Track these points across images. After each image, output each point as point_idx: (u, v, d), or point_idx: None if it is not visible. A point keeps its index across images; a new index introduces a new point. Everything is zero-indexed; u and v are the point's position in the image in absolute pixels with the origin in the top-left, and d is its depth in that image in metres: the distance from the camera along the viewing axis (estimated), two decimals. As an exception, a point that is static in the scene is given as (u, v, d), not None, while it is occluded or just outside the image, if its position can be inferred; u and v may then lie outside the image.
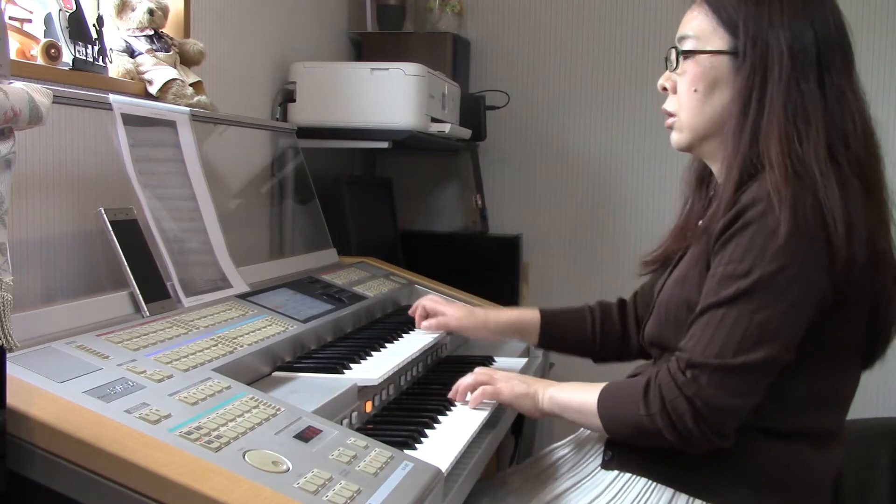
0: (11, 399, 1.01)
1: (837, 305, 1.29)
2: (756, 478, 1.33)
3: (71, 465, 0.98)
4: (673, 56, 1.42)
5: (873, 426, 2.05)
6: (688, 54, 1.39)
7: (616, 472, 1.41)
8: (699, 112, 1.39)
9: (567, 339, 1.78)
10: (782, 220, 1.23)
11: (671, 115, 1.45)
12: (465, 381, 1.56)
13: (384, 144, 2.48)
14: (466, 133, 2.84)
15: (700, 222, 1.47)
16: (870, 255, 1.29)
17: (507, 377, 1.54)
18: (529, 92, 3.26)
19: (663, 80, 1.45)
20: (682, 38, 1.41)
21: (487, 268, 2.92)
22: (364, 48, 3.05)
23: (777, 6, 1.33)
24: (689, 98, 1.40)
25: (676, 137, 1.45)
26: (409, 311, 1.91)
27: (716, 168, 1.44)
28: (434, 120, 2.51)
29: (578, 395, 1.42)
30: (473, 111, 2.97)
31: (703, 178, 1.53)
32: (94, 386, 1.11)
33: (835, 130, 1.32)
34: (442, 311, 1.84)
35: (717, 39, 1.37)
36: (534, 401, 1.48)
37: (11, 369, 1.08)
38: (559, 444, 1.61)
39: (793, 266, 1.23)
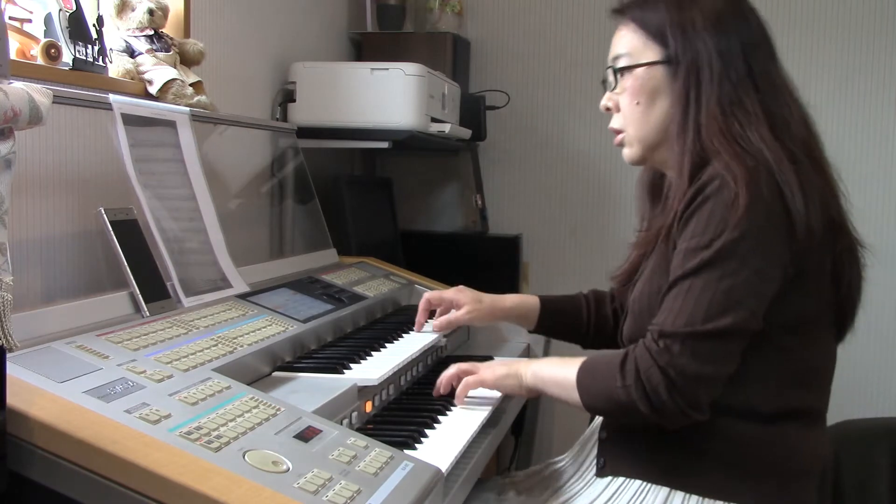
0: (11, 399, 1.01)
1: (800, 276, 1.32)
2: (746, 466, 1.34)
3: (71, 465, 0.98)
4: (611, 76, 1.48)
5: (873, 426, 2.05)
6: (625, 70, 1.45)
7: (610, 476, 1.41)
8: (645, 123, 1.44)
9: (563, 324, 1.81)
10: (739, 191, 1.27)
11: (619, 132, 1.49)
12: (447, 373, 1.58)
13: (384, 144, 2.48)
14: (466, 133, 2.84)
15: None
16: (826, 224, 1.33)
17: (488, 364, 1.57)
18: (529, 92, 3.26)
19: (605, 101, 1.50)
20: (616, 58, 1.47)
21: (487, 268, 2.92)
22: (364, 48, 3.05)
23: (698, 13, 1.40)
24: (632, 111, 1.45)
25: (628, 152, 1.49)
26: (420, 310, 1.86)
27: (670, 174, 1.47)
28: (434, 120, 2.51)
29: (559, 369, 1.44)
30: (473, 111, 2.97)
31: (654, 189, 1.57)
32: (94, 386, 1.11)
33: (773, 116, 1.37)
34: (450, 301, 1.81)
35: (650, 52, 1.43)
36: (517, 378, 1.50)
37: (11, 369, 1.08)
38: (557, 458, 1.62)
39: (753, 234, 1.27)
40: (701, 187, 1.31)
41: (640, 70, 1.43)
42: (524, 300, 1.82)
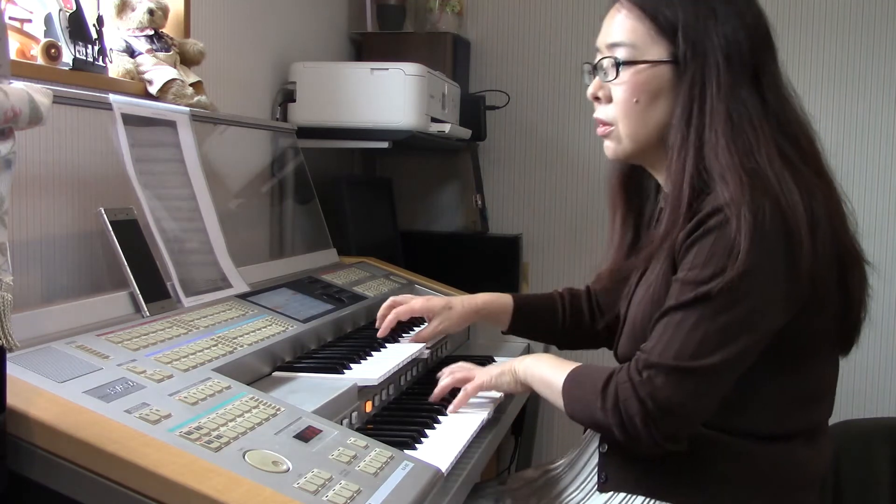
0: (11, 399, 1.01)
1: (806, 307, 1.28)
2: (753, 482, 1.32)
3: (71, 465, 0.98)
4: (608, 65, 1.36)
5: (873, 426, 2.04)
6: (626, 64, 1.34)
7: (612, 492, 1.39)
8: (642, 123, 1.35)
9: (537, 324, 1.77)
10: (742, 228, 1.21)
11: (606, 124, 1.39)
12: (443, 383, 1.56)
13: (384, 144, 2.48)
14: (466, 133, 2.84)
15: (655, 234, 1.41)
16: (837, 253, 1.29)
17: (483, 368, 1.56)
18: (529, 92, 3.26)
19: (594, 90, 1.39)
20: (616, 45, 1.35)
21: (487, 268, 2.92)
22: (364, 48, 3.05)
23: (711, 14, 1.31)
24: (629, 108, 1.35)
25: (615, 147, 1.40)
26: (379, 315, 1.75)
27: (661, 177, 1.42)
28: (434, 120, 2.51)
29: (550, 371, 1.42)
30: (473, 111, 2.97)
31: (629, 182, 1.52)
32: (94, 386, 1.11)
33: (781, 130, 1.31)
34: (419, 313, 1.75)
35: (657, 48, 1.33)
36: (512, 374, 1.50)
37: (11, 369, 1.07)
38: (554, 466, 1.59)
39: (752, 274, 1.22)
40: (705, 217, 1.25)
41: (644, 66, 1.33)
42: (495, 299, 1.76)
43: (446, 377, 1.58)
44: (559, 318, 1.74)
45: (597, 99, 1.40)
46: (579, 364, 1.40)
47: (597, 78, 1.39)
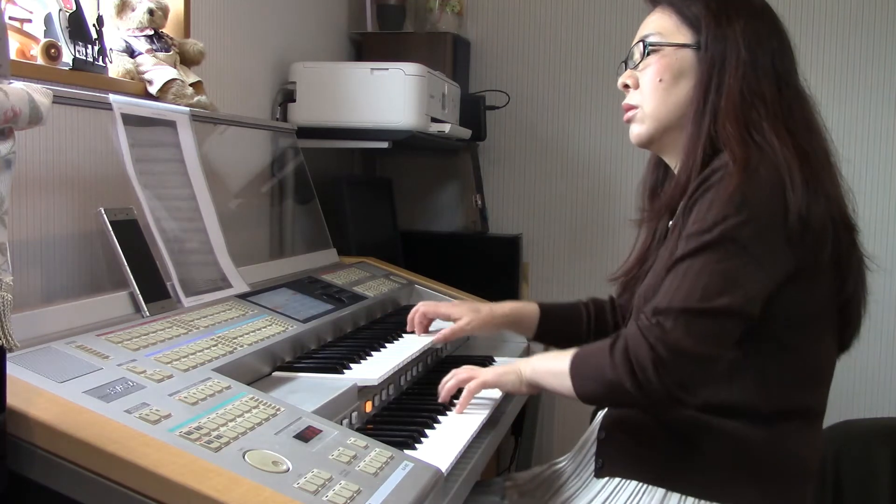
0: (11, 399, 1.01)
1: (799, 272, 1.32)
2: (745, 467, 1.34)
3: (71, 465, 0.98)
4: (637, 53, 1.47)
5: (873, 426, 2.05)
6: (654, 48, 1.45)
7: (608, 477, 1.41)
8: (664, 101, 1.44)
9: (563, 332, 1.78)
10: (743, 182, 1.27)
11: (632, 107, 1.48)
12: (447, 384, 1.56)
13: (384, 144, 2.48)
14: (466, 133, 2.84)
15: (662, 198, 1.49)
16: (832, 219, 1.33)
17: (487, 368, 1.57)
18: (529, 92, 3.26)
19: (624, 78, 1.50)
20: (645, 38, 1.47)
21: (487, 268, 2.92)
22: (364, 48, 3.05)
23: (735, 12, 1.41)
24: (654, 88, 1.44)
25: (638, 130, 1.48)
26: (409, 318, 1.87)
27: (673, 163, 1.49)
28: (434, 120, 2.51)
29: (554, 360, 1.45)
30: (473, 111, 2.97)
31: (656, 191, 1.57)
32: (94, 386, 1.11)
33: (792, 115, 1.38)
34: (446, 315, 1.81)
35: (681, 35, 1.43)
36: (517, 374, 1.50)
37: (11, 369, 1.07)
38: (558, 460, 1.62)
39: (754, 223, 1.28)
40: (706, 177, 1.32)
41: (668, 49, 1.43)
42: (522, 307, 1.80)
43: (450, 380, 1.57)
44: (584, 327, 1.76)
45: (626, 87, 1.50)
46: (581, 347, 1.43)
47: (627, 70, 1.50)
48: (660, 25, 1.46)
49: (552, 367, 1.45)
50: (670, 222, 1.46)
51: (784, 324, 1.33)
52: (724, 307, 1.27)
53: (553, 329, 1.78)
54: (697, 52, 1.41)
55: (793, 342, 1.35)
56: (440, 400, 1.56)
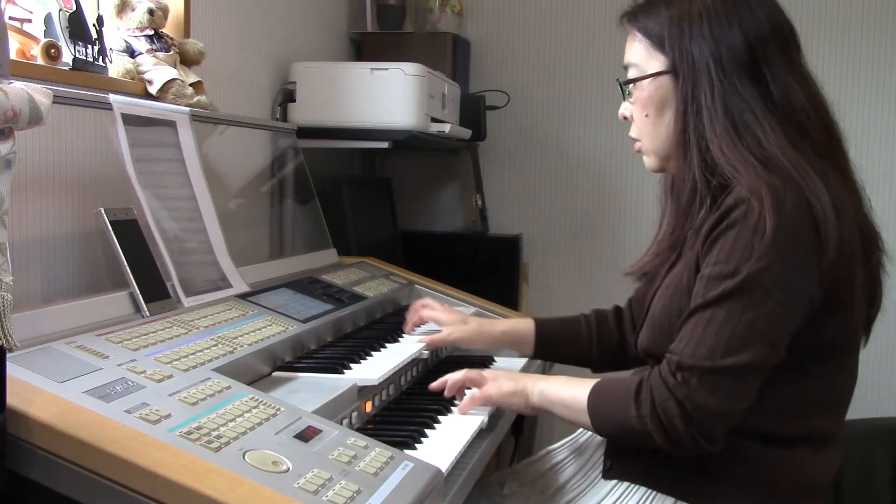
0: (11, 399, 1.01)
1: (831, 300, 1.28)
2: (757, 484, 1.32)
3: (71, 465, 0.98)
4: (624, 88, 1.44)
5: (873, 426, 2.05)
6: (633, 83, 1.42)
7: (616, 480, 1.40)
8: (655, 135, 1.41)
9: (563, 349, 1.76)
10: (766, 217, 1.22)
11: (636, 140, 1.46)
12: (455, 376, 1.54)
13: (384, 144, 2.48)
14: (466, 133, 2.84)
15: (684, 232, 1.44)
16: (861, 233, 1.30)
17: (495, 376, 1.51)
18: (529, 92, 3.26)
19: (623, 110, 1.47)
20: (627, 68, 1.44)
21: (487, 268, 2.91)
22: (364, 48, 3.05)
23: (697, 18, 1.35)
24: (643, 123, 1.42)
25: (647, 161, 1.47)
26: (408, 314, 1.88)
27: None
28: (434, 120, 2.51)
29: (568, 390, 1.40)
30: (473, 111, 2.97)
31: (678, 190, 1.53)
32: (94, 386, 1.11)
33: (788, 122, 1.32)
34: (436, 320, 1.81)
35: (654, 62, 1.39)
36: (524, 398, 1.46)
37: (11, 369, 1.07)
38: (556, 446, 1.60)
39: (779, 264, 1.23)
40: (728, 210, 1.27)
41: (645, 82, 1.39)
42: (516, 325, 1.78)
43: (459, 373, 1.55)
44: (585, 342, 1.73)
45: (625, 118, 1.48)
46: (598, 379, 1.39)
47: (624, 100, 1.47)
48: (635, 55, 1.41)
49: (566, 398, 1.40)
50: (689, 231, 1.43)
51: (810, 353, 1.30)
52: (747, 363, 1.23)
53: (552, 348, 1.77)
54: (673, 75, 1.36)
55: (819, 370, 1.32)
56: (443, 389, 1.55)
